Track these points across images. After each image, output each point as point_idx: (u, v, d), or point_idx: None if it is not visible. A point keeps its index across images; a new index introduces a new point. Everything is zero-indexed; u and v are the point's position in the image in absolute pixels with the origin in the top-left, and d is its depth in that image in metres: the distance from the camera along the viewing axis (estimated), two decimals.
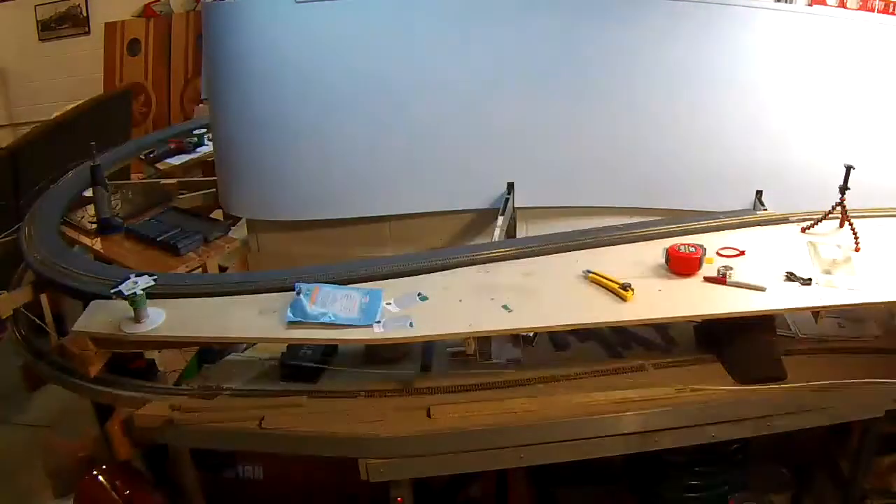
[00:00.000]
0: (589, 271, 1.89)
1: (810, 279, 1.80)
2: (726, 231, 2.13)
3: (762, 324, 1.88)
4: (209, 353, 2.13)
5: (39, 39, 5.88)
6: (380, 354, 2.01)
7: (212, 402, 1.86)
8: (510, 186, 2.51)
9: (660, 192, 2.49)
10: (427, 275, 1.98)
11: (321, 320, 1.75)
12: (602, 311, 1.76)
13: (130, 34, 5.63)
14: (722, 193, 2.42)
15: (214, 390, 1.91)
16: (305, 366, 1.93)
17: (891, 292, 1.77)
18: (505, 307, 1.78)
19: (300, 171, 2.58)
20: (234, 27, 2.52)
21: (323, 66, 2.46)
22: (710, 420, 1.81)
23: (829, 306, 1.77)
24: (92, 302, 1.95)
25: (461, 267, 2.00)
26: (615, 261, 1.97)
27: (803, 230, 2.10)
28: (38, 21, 5.82)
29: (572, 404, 1.80)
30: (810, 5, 2.30)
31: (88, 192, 2.78)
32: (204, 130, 3.57)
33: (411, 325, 1.75)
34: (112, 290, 1.81)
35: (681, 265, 1.87)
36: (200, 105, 5.18)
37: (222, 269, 2.66)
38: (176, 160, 3.45)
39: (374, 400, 1.85)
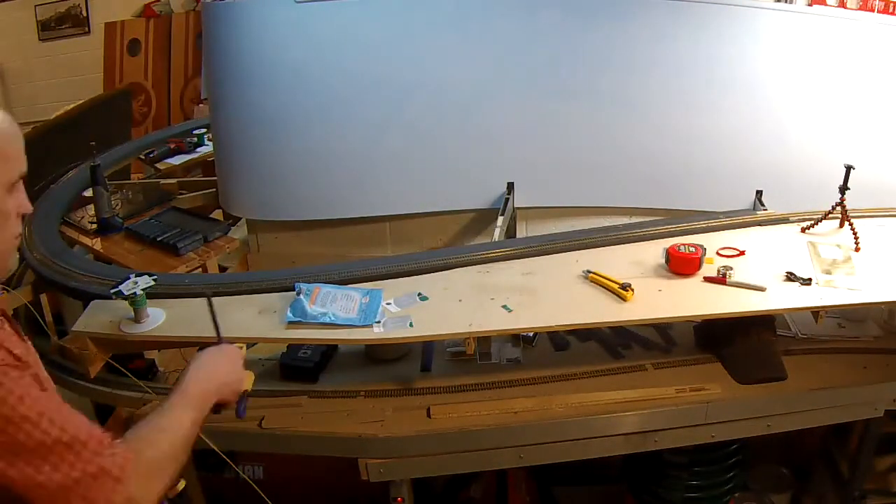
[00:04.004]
0: (589, 271, 1.89)
1: (810, 279, 1.80)
2: (726, 231, 2.13)
3: (762, 324, 1.88)
4: None
5: (39, 39, 5.87)
6: (380, 354, 2.01)
7: None
8: (510, 186, 2.51)
9: (660, 192, 2.49)
10: (427, 275, 1.98)
11: (321, 320, 1.74)
12: (602, 311, 1.76)
13: (130, 34, 5.63)
14: (722, 193, 2.42)
15: None
16: (305, 366, 1.94)
17: (891, 292, 1.77)
18: (505, 307, 1.78)
19: (300, 171, 2.58)
20: (234, 27, 2.52)
21: (323, 65, 2.46)
22: (710, 420, 1.81)
23: (829, 306, 1.76)
24: (92, 302, 1.95)
25: (461, 267, 2.00)
26: (615, 261, 1.97)
27: (803, 230, 2.09)
28: (38, 21, 5.82)
29: (572, 404, 1.80)
30: (810, 5, 2.30)
31: (88, 192, 2.78)
32: (204, 130, 3.56)
33: (411, 325, 1.75)
34: (112, 290, 1.81)
35: (681, 265, 1.87)
36: (200, 105, 5.18)
37: (222, 269, 2.66)
38: (176, 160, 3.45)
39: (374, 400, 1.86)
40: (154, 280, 1.83)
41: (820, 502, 2.29)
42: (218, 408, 1.28)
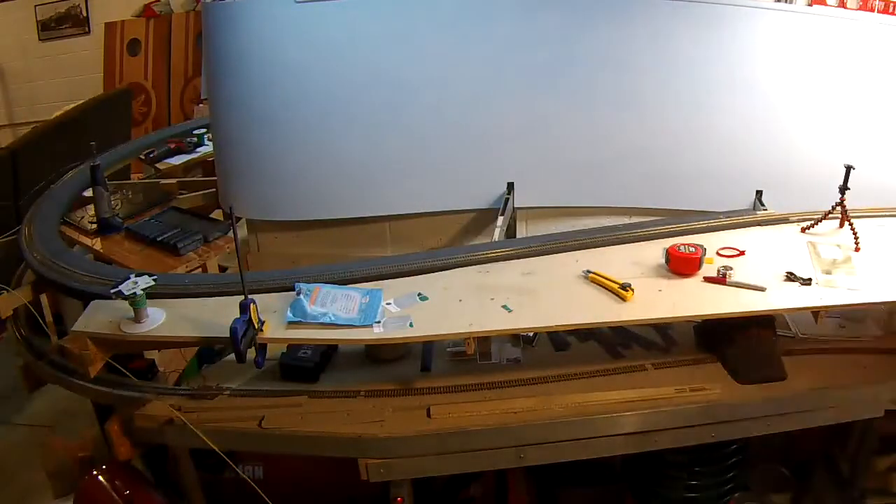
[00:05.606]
0: (589, 271, 1.89)
1: (810, 279, 1.80)
2: (726, 231, 2.13)
3: (762, 324, 1.88)
4: (209, 353, 2.13)
5: (39, 39, 5.88)
6: (380, 354, 2.01)
7: (212, 402, 1.87)
8: (510, 186, 2.51)
9: (660, 192, 2.49)
10: (427, 275, 1.98)
11: (321, 320, 1.75)
12: (602, 311, 1.76)
13: (130, 34, 5.63)
14: (722, 193, 2.42)
15: (214, 390, 1.91)
16: (305, 366, 1.94)
17: (891, 292, 1.77)
18: (505, 307, 1.78)
19: (300, 171, 2.58)
20: (234, 27, 2.52)
21: (323, 65, 2.46)
22: (710, 420, 1.81)
23: (829, 306, 1.76)
24: (92, 302, 1.95)
25: (461, 267, 2.00)
26: (615, 261, 1.97)
27: (803, 230, 2.10)
28: (38, 21, 5.83)
29: (572, 404, 1.80)
30: (810, 5, 2.30)
31: (88, 192, 2.78)
32: (204, 130, 3.57)
33: (411, 325, 1.75)
34: (112, 290, 1.81)
35: (681, 265, 1.87)
36: (200, 105, 5.18)
37: (222, 269, 2.66)
38: (176, 160, 3.45)
39: (374, 400, 1.85)
40: (154, 280, 1.83)
41: (820, 502, 2.28)
42: None
